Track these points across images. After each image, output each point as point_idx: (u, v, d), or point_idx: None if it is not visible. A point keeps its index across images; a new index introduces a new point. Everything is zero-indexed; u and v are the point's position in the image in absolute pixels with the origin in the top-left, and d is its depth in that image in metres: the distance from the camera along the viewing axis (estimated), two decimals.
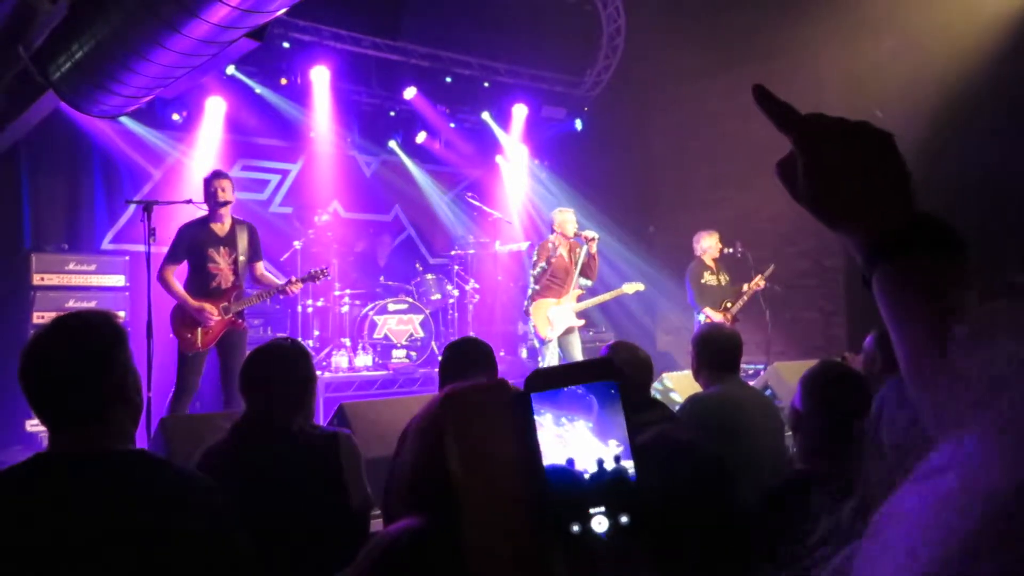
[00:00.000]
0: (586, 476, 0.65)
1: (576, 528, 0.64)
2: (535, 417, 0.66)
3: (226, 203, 5.09)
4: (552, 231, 6.53)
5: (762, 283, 6.86)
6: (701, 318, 6.74)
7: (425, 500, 1.09)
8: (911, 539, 0.41)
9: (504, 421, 0.67)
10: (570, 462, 0.66)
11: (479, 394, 0.67)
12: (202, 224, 5.13)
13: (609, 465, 0.66)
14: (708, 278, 6.94)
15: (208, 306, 5.00)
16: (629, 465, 0.66)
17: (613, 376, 0.68)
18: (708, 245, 7.01)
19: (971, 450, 0.43)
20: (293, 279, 5.29)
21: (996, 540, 0.37)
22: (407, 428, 1.13)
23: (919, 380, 0.64)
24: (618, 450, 0.66)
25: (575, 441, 0.66)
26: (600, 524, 0.64)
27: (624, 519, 0.64)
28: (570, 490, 0.65)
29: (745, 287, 6.87)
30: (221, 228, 5.14)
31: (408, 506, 1.07)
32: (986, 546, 0.37)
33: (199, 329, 5.01)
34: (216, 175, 5.19)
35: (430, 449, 1.11)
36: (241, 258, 5.15)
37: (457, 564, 0.99)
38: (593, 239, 6.30)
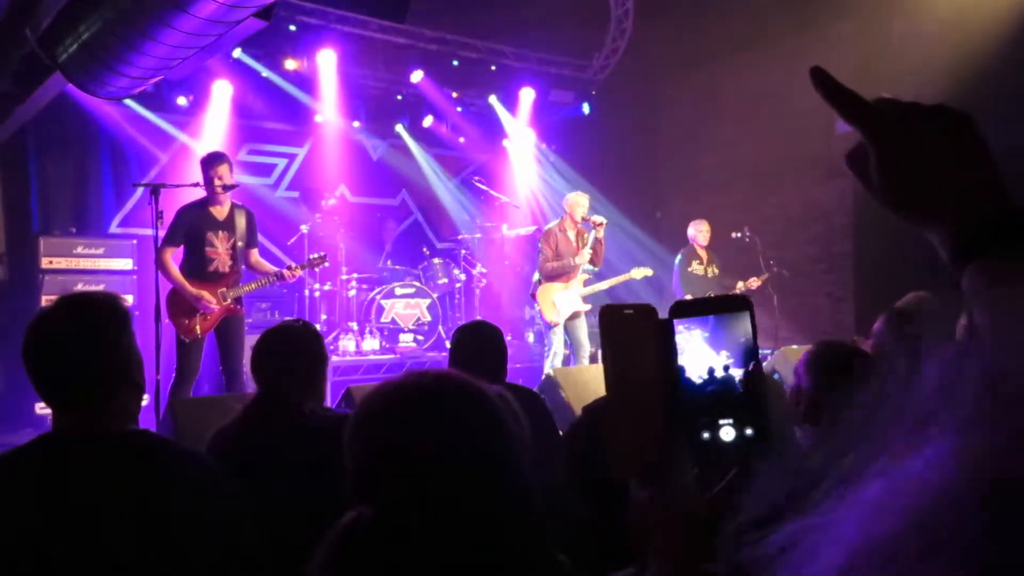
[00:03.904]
0: (697, 382, 0.73)
1: (706, 436, 0.71)
2: None
3: (228, 188, 4.93)
4: (563, 213, 6.49)
5: (755, 285, 6.84)
6: None
7: (375, 491, 1.09)
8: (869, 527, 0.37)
9: (650, 339, 0.73)
10: (681, 370, 0.72)
11: (631, 313, 0.75)
12: (201, 206, 4.97)
13: (719, 374, 0.72)
14: (695, 267, 6.95)
15: (207, 293, 4.85)
16: (738, 374, 0.73)
17: (747, 308, 0.74)
18: (693, 233, 7.01)
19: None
20: (292, 266, 5.19)
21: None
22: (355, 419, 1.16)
23: None
24: (728, 361, 0.73)
25: (689, 349, 0.73)
26: (728, 434, 0.71)
27: (749, 431, 0.71)
28: (702, 401, 0.72)
29: (740, 285, 6.82)
30: (220, 212, 5.00)
31: (360, 496, 1.09)
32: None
33: (197, 316, 4.87)
34: (213, 160, 4.92)
35: (381, 440, 1.11)
36: (239, 243, 5.03)
37: (406, 553, 1.00)
38: (601, 224, 6.26)
